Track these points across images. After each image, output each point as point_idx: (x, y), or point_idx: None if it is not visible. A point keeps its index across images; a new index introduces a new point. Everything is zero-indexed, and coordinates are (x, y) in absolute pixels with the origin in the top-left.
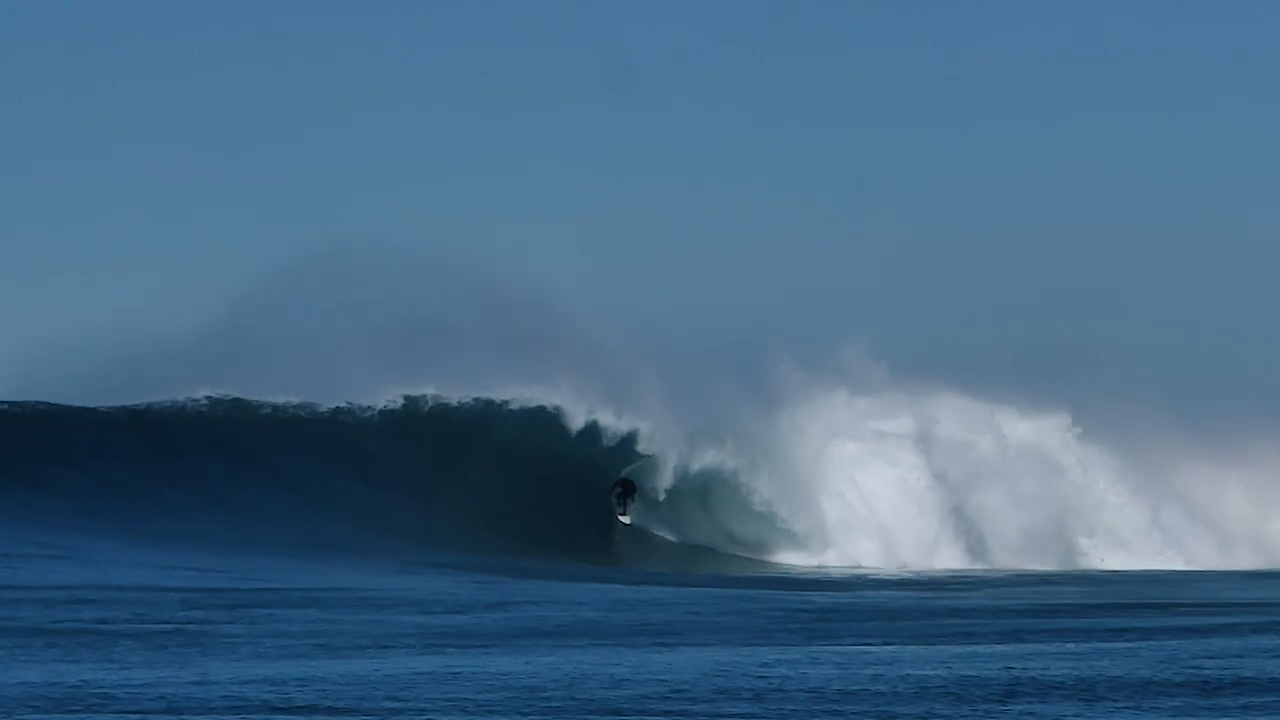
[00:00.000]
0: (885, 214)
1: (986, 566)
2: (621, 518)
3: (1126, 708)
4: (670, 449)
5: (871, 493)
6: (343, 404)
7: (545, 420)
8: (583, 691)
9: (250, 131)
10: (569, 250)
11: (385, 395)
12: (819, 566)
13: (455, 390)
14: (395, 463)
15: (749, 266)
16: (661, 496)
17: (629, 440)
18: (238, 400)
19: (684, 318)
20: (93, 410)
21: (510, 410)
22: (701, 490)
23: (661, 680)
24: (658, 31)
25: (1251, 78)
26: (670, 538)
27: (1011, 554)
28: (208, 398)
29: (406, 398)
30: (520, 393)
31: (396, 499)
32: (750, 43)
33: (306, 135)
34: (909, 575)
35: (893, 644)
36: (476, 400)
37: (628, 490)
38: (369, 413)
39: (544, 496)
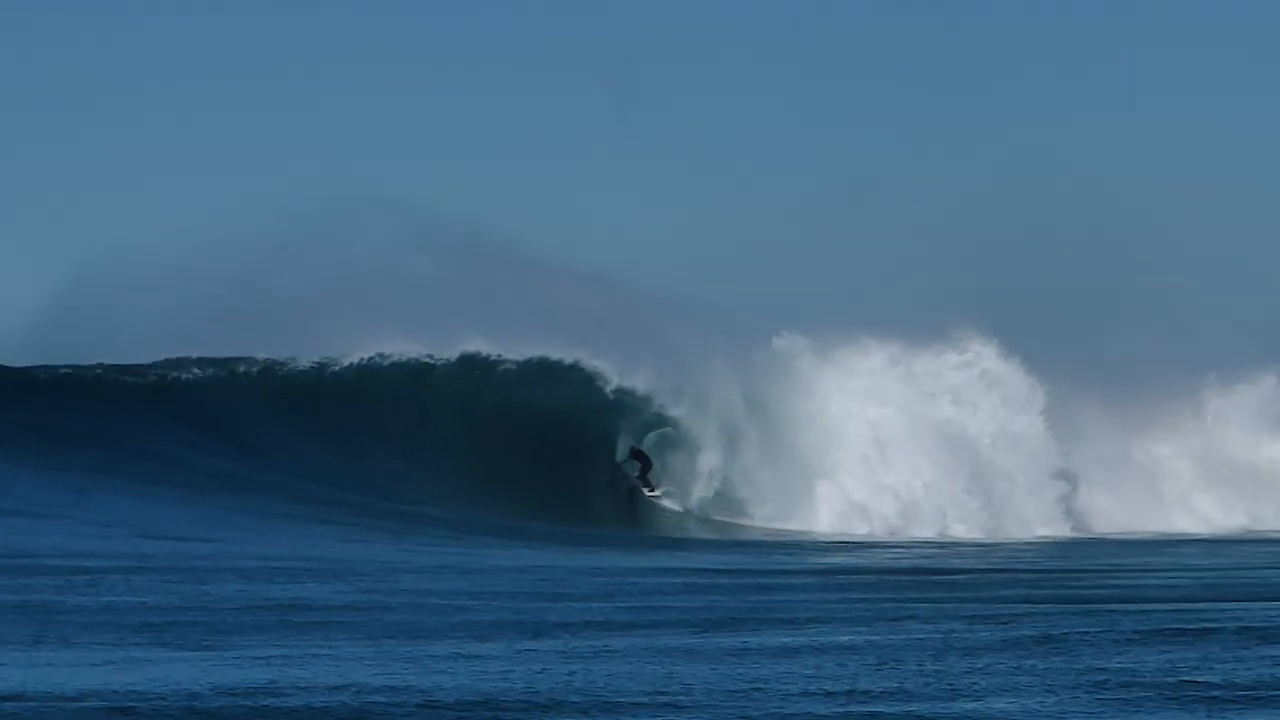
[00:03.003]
0: (884, 202)
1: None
2: (649, 492)
3: None
4: (687, 417)
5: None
6: (320, 359)
7: (544, 378)
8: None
9: (256, 109)
10: (566, 245)
11: (360, 352)
12: (803, 531)
13: (440, 349)
14: (371, 422)
15: (744, 256)
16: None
17: (634, 405)
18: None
19: (681, 302)
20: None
21: (505, 368)
22: (702, 458)
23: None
24: (657, 28)
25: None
26: (687, 509)
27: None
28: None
29: (380, 354)
30: (521, 349)
31: (365, 457)
32: (748, 39)
33: (302, 133)
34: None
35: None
36: (464, 357)
37: (644, 463)
38: (344, 369)
39: (537, 457)
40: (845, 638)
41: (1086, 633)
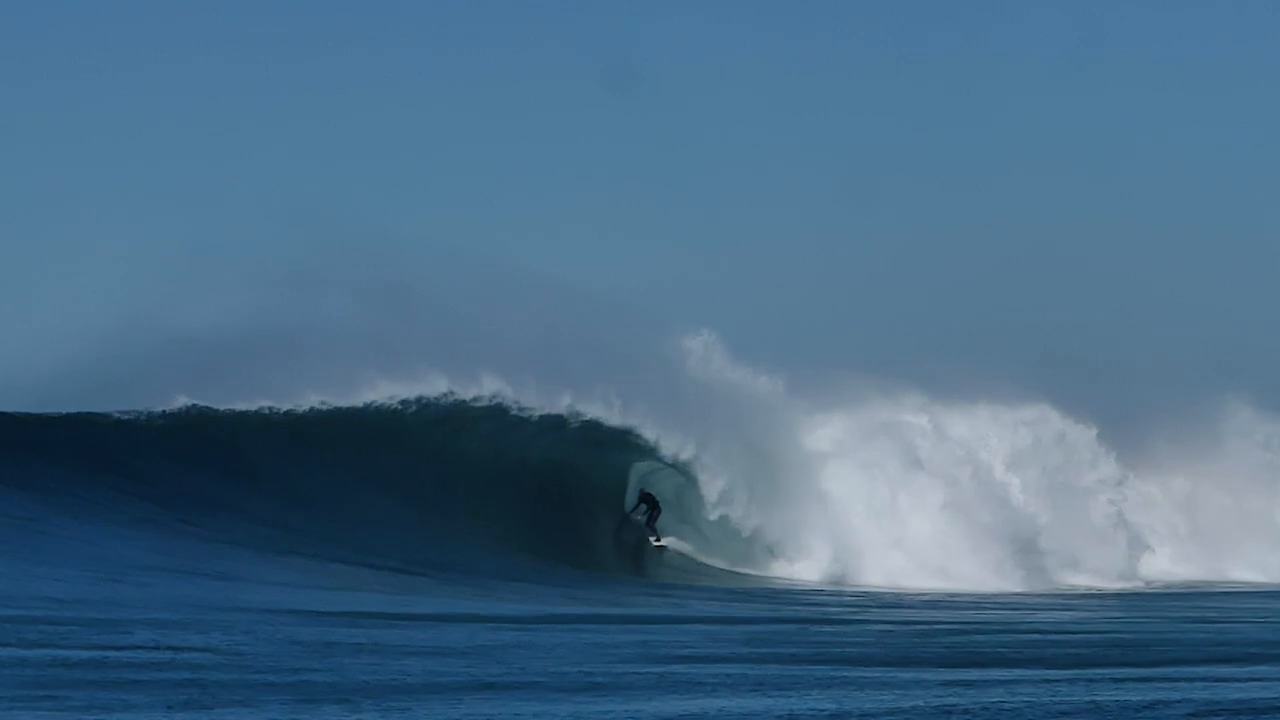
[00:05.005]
0: (884, 209)
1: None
2: (655, 541)
3: None
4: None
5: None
6: (318, 404)
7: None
8: None
9: (244, 131)
10: (564, 248)
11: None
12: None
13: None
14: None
15: (742, 267)
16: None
17: (638, 448)
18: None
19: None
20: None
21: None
22: (681, 498)
23: None
24: (658, 31)
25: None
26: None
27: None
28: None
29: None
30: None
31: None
32: (749, 42)
33: (298, 131)
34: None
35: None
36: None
37: (653, 507)
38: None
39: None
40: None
41: (980, 705)
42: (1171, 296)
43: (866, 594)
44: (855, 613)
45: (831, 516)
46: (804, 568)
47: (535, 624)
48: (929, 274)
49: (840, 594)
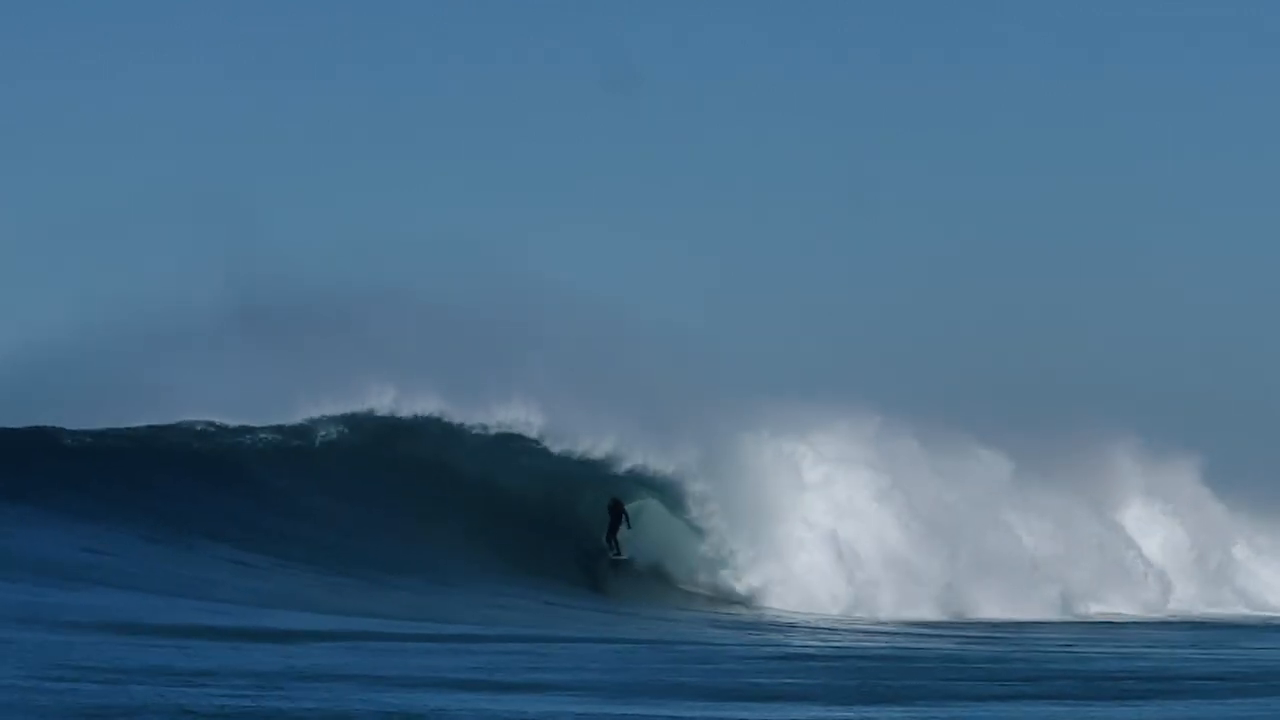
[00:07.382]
0: (883, 208)
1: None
2: (613, 555)
3: None
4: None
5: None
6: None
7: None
8: None
9: (248, 134)
10: (563, 250)
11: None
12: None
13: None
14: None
15: (741, 267)
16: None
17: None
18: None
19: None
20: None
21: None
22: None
23: None
24: (658, 31)
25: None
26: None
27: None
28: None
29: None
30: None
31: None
32: (749, 42)
33: (297, 133)
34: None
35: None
36: (419, 417)
37: (616, 519)
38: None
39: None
40: None
41: None
42: (1177, 297)
43: (774, 619)
44: (726, 635)
45: (805, 540)
46: (769, 591)
47: (371, 641)
48: (927, 274)
49: (753, 618)
